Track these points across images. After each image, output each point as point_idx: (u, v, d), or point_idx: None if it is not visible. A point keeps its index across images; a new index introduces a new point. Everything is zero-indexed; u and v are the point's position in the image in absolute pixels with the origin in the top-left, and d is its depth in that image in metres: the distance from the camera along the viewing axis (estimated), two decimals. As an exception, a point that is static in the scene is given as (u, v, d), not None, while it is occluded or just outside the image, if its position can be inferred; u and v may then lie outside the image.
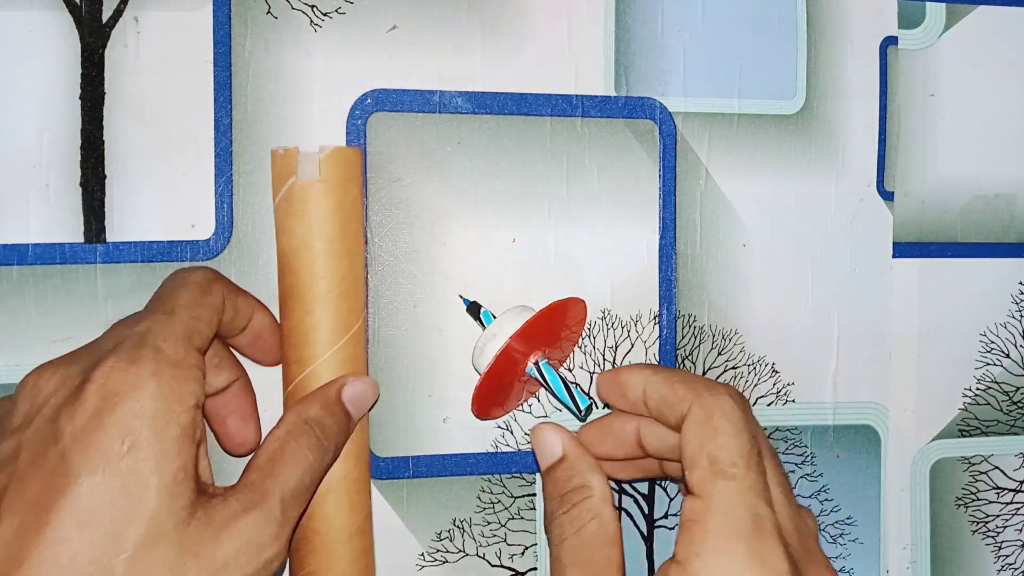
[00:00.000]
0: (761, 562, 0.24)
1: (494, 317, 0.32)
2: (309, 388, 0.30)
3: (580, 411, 0.32)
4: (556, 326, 0.32)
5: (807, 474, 0.37)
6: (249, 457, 0.29)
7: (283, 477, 0.27)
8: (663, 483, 0.35)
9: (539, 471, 0.32)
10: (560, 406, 0.35)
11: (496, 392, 0.32)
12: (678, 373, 0.29)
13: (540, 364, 0.32)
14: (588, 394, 0.35)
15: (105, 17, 0.32)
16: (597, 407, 0.34)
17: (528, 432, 0.34)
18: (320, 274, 0.30)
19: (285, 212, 0.30)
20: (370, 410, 0.32)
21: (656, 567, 0.34)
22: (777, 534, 0.25)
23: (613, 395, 0.31)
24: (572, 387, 0.32)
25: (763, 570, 0.24)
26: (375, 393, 0.32)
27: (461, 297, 0.33)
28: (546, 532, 0.30)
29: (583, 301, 0.33)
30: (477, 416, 0.33)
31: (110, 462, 0.23)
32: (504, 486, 0.34)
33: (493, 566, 0.34)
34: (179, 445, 0.24)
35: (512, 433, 0.34)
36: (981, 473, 0.38)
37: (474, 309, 0.32)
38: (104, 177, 0.32)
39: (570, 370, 0.35)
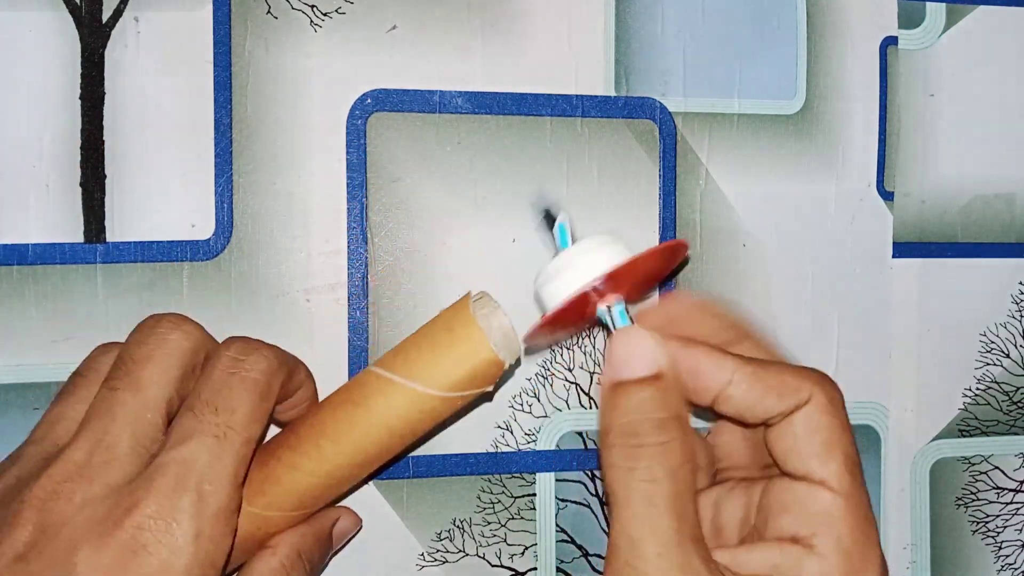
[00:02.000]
0: (884, 559, 0.25)
1: (573, 240, 0.27)
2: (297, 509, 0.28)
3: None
4: (651, 272, 0.28)
5: (807, 474, 0.37)
6: None
7: None
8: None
9: (604, 381, 0.26)
10: (561, 405, 0.35)
11: (552, 326, 0.28)
12: (771, 362, 0.26)
13: (615, 311, 0.26)
14: None
15: (105, 17, 0.32)
16: None
17: (527, 432, 0.34)
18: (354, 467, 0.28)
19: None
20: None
21: None
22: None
23: (693, 391, 0.26)
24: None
25: (884, 567, 0.25)
26: (357, 528, 0.32)
27: (536, 207, 0.29)
28: (610, 457, 0.25)
29: (686, 244, 0.29)
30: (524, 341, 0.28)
31: None
32: (504, 486, 0.34)
33: (493, 566, 0.34)
34: None
35: (512, 433, 0.34)
36: (981, 473, 0.38)
37: (549, 220, 0.28)
38: (104, 177, 0.32)
39: (570, 370, 0.35)
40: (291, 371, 0.27)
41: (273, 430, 0.31)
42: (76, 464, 0.24)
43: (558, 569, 0.35)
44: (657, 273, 0.29)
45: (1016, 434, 0.38)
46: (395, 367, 0.27)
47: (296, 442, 0.27)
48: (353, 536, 0.33)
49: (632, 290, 0.28)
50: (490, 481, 0.34)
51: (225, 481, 0.24)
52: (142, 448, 0.24)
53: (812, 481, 0.25)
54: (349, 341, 0.33)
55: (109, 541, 0.22)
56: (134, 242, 0.32)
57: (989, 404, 0.38)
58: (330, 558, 0.32)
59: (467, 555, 0.34)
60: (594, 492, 0.35)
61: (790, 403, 0.26)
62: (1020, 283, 0.38)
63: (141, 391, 0.25)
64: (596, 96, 0.34)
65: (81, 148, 0.31)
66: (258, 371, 0.26)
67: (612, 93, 0.35)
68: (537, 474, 0.34)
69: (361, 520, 0.32)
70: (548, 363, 0.34)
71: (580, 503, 0.35)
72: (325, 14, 0.33)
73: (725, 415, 0.27)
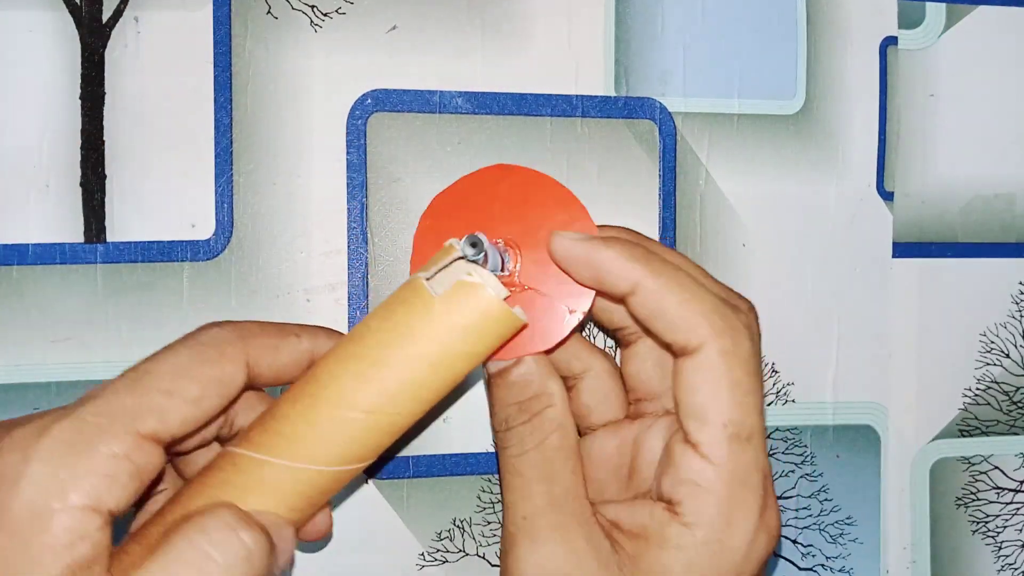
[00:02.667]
0: (765, 529, 0.25)
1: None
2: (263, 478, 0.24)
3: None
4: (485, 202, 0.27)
5: (807, 474, 0.37)
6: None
7: None
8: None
9: (486, 375, 0.27)
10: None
11: None
12: (682, 284, 0.24)
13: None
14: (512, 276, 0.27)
15: (105, 17, 0.32)
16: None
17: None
18: (413, 401, 0.24)
19: (457, 308, 0.24)
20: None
21: None
22: (771, 487, 0.25)
23: (580, 271, 0.25)
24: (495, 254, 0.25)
25: (766, 536, 0.25)
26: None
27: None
28: (496, 442, 0.26)
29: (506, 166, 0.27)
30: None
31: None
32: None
33: (493, 566, 0.34)
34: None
35: (512, 433, 0.34)
36: (981, 473, 0.38)
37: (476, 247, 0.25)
38: (104, 177, 0.32)
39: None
40: (274, 344, 0.25)
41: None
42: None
43: (558, 569, 0.35)
44: (506, 200, 0.27)
45: (1016, 434, 0.38)
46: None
47: (327, 376, 0.24)
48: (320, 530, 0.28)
49: (528, 243, 0.26)
50: (490, 481, 0.34)
51: (122, 423, 0.22)
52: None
53: (688, 442, 0.24)
54: (349, 341, 0.33)
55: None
56: (134, 242, 0.32)
57: (989, 404, 0.38)
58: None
59: (467, 555, 0.34)
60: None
61: (679, 342, 0.24)
62: (1020, 283, 0.38)
63: None
64: (596, 96, 0.34)
65: (81, 148, 0.31)
66: (205, 336, 0.24)
67: (612, 93, 0.35)
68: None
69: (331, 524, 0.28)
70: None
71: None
72: (325, 14, 0.33)
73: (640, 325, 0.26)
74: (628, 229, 0.28)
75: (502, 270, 0.26)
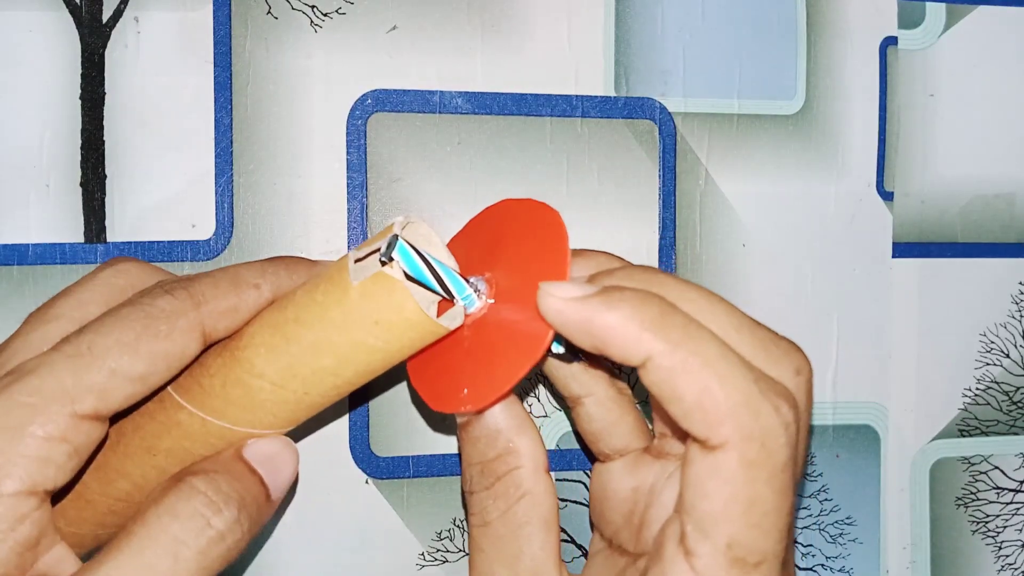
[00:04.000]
0: None
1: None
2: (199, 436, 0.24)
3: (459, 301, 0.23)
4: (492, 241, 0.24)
5: (807, 474, 0.37)
6: None
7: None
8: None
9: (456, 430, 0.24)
10: (560, 405, 0.34)
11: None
12: (709, 354, 0.19)
13: (395, 246, 0.21)
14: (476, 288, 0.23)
15: (105, 17, 0.32)
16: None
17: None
18: (329, 384, 0.23)
19: (371, 301, 0.22)
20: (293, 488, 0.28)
21: None
22: None
23: (578, 336, 0.20)
24: (450, 279, 0.22)
25: None
26: (280, 448, 0.25)
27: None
28: (464, 507, 0.24)
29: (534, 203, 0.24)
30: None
31: None
32: (504, 486, 0.34)
33: (493, 566, 0.34)
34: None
35: (512, 433, 0.34)
36: (981, 473, 0.38)
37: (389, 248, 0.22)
38: (104, 177, 0.32)
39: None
40: (232, 306, 0.23)
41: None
42: None
43: (558, 569, 0.35)
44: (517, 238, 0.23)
45: (1016, 434, 0.38)
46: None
47: (248, 338, 0.23)
48: (294, 464, 0.26)
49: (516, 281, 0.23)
50: (490, 481, 0.34)
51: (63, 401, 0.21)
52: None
53: (683, 546, 0.20)
54: (349, 341, 0.33)
55: None
56: (134, 242, 0.32)
57: (989, 404, 0.38)
58: (290, 495, 0.28)
59: (467, 555, 0.34)
60: (594, 492, 0.35)
61: (698, 436, 0.20)
62: (1020, 283, 0.38)
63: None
64: (596, 96, 0.35)
65: (81, 148, 0.31)
66: (157, 307, 0.23)
67: (612, 93, 0.35)
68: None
69: (289, 440, 0.26)
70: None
71: (580, 503, 0.35)
72: (325, 14, 0.33)
73: None
74: (629, 264, 0.24)
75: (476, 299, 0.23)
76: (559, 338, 0.22)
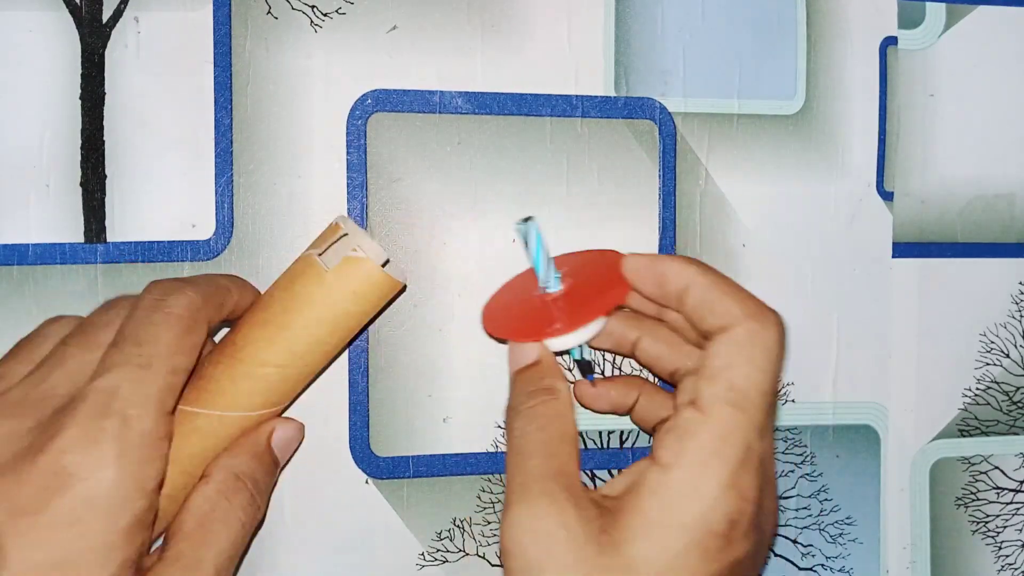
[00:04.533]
0: (738, 490, 0.26)
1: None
2: (219, 431, 0.28)
3: (542, 285, 0.31)
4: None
5: (807, 474, 0.37)
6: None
7: (216, 545, 0.25)
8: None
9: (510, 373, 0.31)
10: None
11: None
12: (727, 283, 0.28)
13: (532, 226, 0.31)
14: (558, 278, 0.32)
15: (105, 17, 0.32)
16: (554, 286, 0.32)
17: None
18: (315, 355, 0.29)
19: (346, 278, 0.28)
20: (292, 454, 0.32)
21: None
22: (757, 465, 0.26)
23: (646, 281, 0.30)
24: (550, 265, 0.31)
25: (737, 497, 0.26)
26: (301, 436, 0.31)
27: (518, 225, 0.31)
28: (506, 425, 0.29)
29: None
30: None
31: (51, 550, 0.21)
32: (504, 486, 0.34)
33: (493, 566, 0.34)
34: (129, 536, 0.23)
35: (512, 433, 0.34)
36: (981, 473, 0.38)
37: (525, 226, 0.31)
38: (104, 177, 0.32)
39: (570, 370, 0.35)
40: (220, 303, 0.28)
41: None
42: (9, 402, 0.24)
43: (558, 569, 0.35)
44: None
45: (1016, 434, 0.38)
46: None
47: (242, 340, 0.28)
48: (299, 445, 0.32)
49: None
50: (490, 481, 0.34)
51: (150, 407, 0.24)
52: (77, 391, 0.24)
53: (691, 401, 0.27)
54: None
55: (31, 467, 0.22)
56: (134, 242, 0.32)
57: (989, 404, 0.38)
58: (280, 472, 0.30)
59: (467, 555, 0.34)
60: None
61: (714, 324, 0.27)
62: (1020, 283, 0.38)
63: (92, 350, 0.25)
64: (596, 96, 0.34)
65: (81, 148, 0.31)
66: (180, 307, 0.26)
67: (612, 93, 0.35)
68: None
69: (303, 426, 0.31)
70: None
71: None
72: (325, 14, 0.33)
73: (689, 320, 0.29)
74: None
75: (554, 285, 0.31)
76: (582, 351, 0.32)
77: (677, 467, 0.26)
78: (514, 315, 0.32)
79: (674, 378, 0.32)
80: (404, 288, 0.31)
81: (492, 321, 0.32)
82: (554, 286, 0.31)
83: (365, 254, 0.28)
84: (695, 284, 0.28)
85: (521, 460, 0.28)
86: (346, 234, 0.29)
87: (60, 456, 0.22)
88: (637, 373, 0.35)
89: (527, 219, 0.31)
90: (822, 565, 0.37)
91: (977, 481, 0.38)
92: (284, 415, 0.30)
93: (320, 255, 0.29)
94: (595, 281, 0.31)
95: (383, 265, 0.29)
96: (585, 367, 0.33)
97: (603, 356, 0.35)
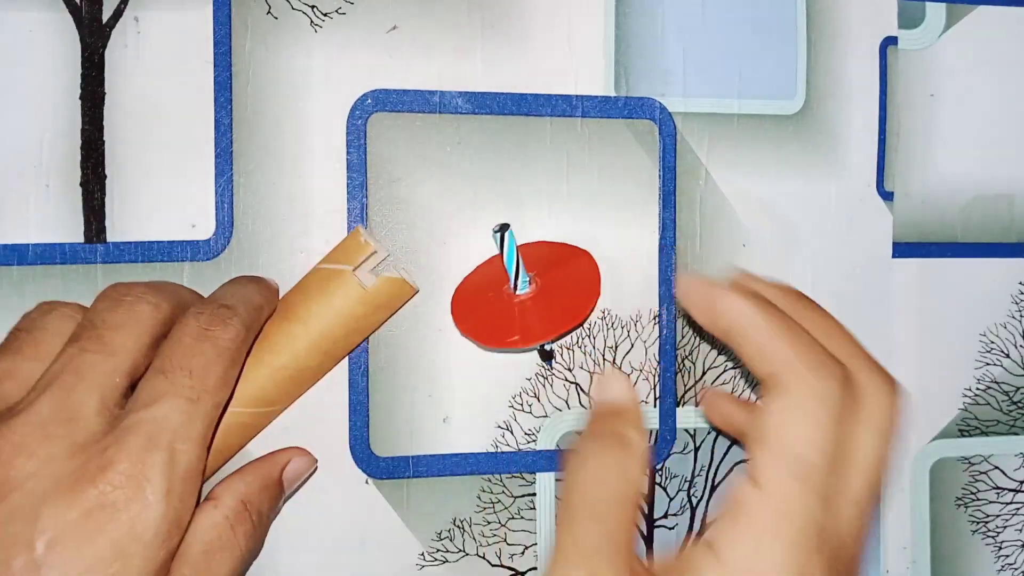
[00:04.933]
0: (799, 573, 0.23)
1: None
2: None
3: (514, 286, 0.32)
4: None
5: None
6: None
7: (217, 574, 0.25)
8: (663, 483, 0.36)
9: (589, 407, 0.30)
10: (561, 405, 0.34)
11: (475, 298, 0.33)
12: (786, 325, 0.25)
13: (505, 233, 0.31)
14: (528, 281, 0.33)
15: (105, 17, 0.32)
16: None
17: (527, 432, 0.34)
18: (319, 358, 0.31)
19: (384, 296, 0.31)
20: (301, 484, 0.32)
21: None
22: (825, 550, 0.23)
23: (696, 309, 0.27)
24: (521, 270, 0.31)
25: None
26: (312, 469, 0.32)
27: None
28: (562, 457, 0.27)
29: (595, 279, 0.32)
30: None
31: None
32: (504, 486, 0.34)
33: (493, 566, 0.34)
34: (163, 568, 0.23)
35: (512, 433, 0.34)
36: (981, 473, 0.38)
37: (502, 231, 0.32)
38: (104, 177, 0.32)
39: (570, 370, 0.35)
40: (257, 329, 0.28)
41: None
42: (40, 420, 0.23)
43: (558, 569, 0.35)
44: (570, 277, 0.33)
45: (1016, 434, 0.38)
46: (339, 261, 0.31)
47: (262, 339, 0.30)
48: (308, 477, 0.32)
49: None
50: (490, 481, 0.34)
51: (196, 442, 0.24)
52: (107, 410, 0.24)
53: (747, 473, 0.24)
54: (349, 341, 0.33)
55: (79, 497, 0.22)
56: (134, 242, 0.32)
57: (989, 404, 0.38)
58: (284, 502, 0.31)
59: (467, 555, 0.34)
60: (594, 492, 0.35)
61: (770, 375, 0.25)
62: (1020, 283, 0.38)
63: (113, 355, 0.25)
64: (596, 96, 0.34)
65: (81, 148, 0.31)
66: (228, 339, 0.26)
67: (612, 93, 0.35)
68: (537, 474, 0.34)
69: (316, 460, 0.32)
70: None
71: (580, 503, 0.35)
72: (325, 14, 0.33)
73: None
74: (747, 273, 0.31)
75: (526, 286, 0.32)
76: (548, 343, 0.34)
77: (728, 547, 0.23)
78: (483, 315, 0.32)
79: (743, 441, 0.29)
80: (415, 292, 0.33)
81: (462, 320, 0.33)
82: (523, 288, 0.32)
83: (398, 274, 0.31)
84: (753, 325, 0.25)
85: (569, 515, 0.24)
86: (375, 252, 0.31)
87: (109, 490, 0.22)
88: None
89: (503, 226, 0.31)
90: (822, 565, 0.37)
91: (977, 481, 0.38)
92: (300, 448, 0.32)
93: (355, 269, 0.30)
94: (566, 288, 0.32)
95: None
96: (545, 355, 0.34)
97: (602, 353, 0.35)
